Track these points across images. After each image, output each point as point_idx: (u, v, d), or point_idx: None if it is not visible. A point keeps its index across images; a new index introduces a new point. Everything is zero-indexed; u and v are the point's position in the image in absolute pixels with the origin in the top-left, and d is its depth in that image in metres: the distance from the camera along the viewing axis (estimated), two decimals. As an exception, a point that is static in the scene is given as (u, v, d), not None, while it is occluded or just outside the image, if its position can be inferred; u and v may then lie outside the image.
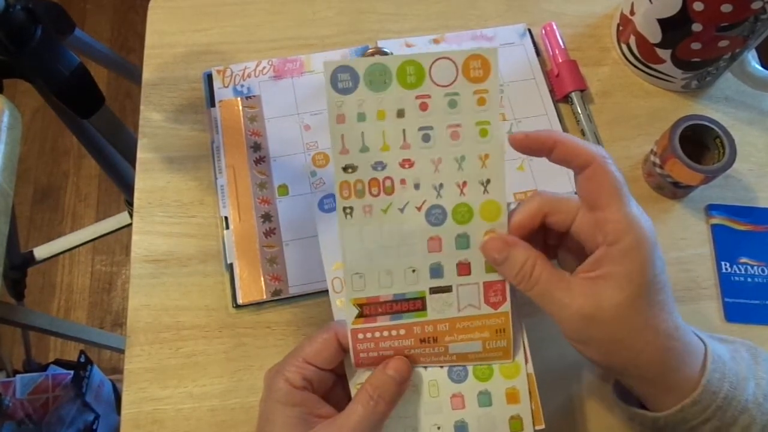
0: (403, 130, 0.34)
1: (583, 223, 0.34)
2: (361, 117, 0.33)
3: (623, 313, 0.31)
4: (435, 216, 0.34)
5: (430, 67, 0.34)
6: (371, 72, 0.33)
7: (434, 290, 0.35)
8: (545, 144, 0.33)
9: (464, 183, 0.34)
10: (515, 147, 0.34)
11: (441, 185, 0.34)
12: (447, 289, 0.35)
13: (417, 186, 0.34)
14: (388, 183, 0.34)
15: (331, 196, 0.38)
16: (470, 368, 0.35)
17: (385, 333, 0.34)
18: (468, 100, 0.34)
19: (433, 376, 0.35)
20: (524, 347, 0.36)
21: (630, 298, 0.31)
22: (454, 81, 0.34)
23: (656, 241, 0.32)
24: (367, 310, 0.34)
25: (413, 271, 0.34)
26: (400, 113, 0.34)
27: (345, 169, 0.34)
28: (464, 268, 0.35)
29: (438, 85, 0.34)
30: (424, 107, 0.34)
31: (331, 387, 0.35)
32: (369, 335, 0.34)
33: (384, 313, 0.34)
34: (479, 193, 0.34)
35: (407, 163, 0.34)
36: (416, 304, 0.35)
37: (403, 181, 0.34)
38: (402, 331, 0.34)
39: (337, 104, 0.33)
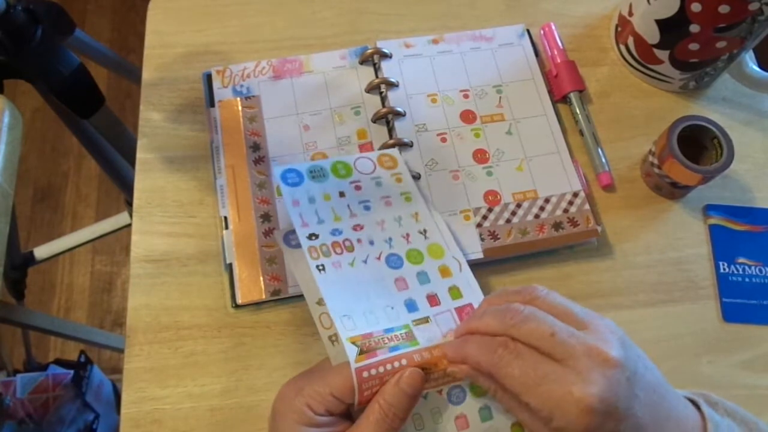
0: (348, 205, 0.43)
1: None
2: (312, 200, 0.42)
3: None
4: (393, 261, 0.41)
5: (354, 163, 0.45)
6: (311, 170, 0.43)
7: (416, 322, 0.38)
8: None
9: (407, 234, 0.43)
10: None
11: (390, 239, 0.42)
12: (426, 320, 0.38)
13: (372, 242, 0.42)
14: (347, 243, 0.41)
15: (294, 231, 0.41)
16: (467, 388, 0.37)
17: (389, 366, 0.35)
18: (388, 181, 0.45)
19: (434, 404, 0.36)
20: None
21: None
22: (374, 170, 0.45)
23: (600, 413, 0.29)
24: (364, 346, 0.35)
25: (392, 308, 0.38)
26: (342, 194, 0.43)
27: (309, 237, 0.40)
28: (433, 300, 0.40)
29: (363, 174, 0.45)
30: (358, 188, 0.44)
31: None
32: (374, 371, 0.34)
33: (382, 346, 0.35)
34: (422, 240, 0.43)
35: (358, 228, 0.42)
36: (406, 336, 0.37)
37: (359, 241, 0.41)
38: (404, 361, 0.35)
39: (291, 193, 0.42)
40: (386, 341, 0.36)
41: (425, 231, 0.43)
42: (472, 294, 0.41)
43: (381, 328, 0.36)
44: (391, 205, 0.44)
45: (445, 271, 0.41)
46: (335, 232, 0.41)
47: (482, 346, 0.33)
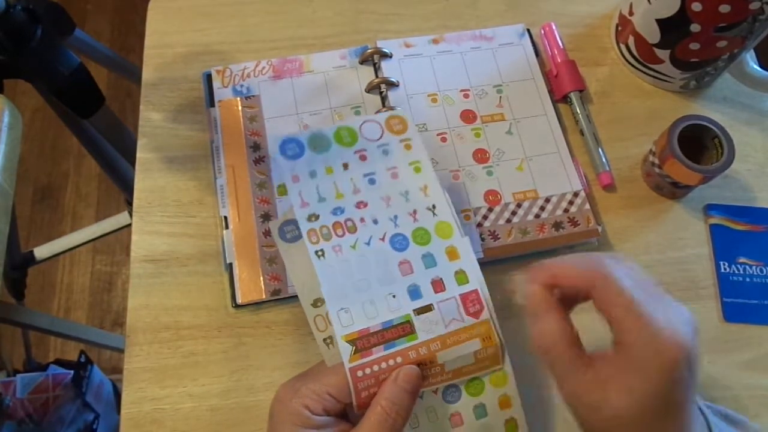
0: (351, 179, 0.40)
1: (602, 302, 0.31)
2: (313, 174, 0.39)
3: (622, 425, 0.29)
4: (398, 242, 0.39)
5: (360, 128, 0.41)
6: (313, 139, 0.40)
7: (418, 311, 0.37)
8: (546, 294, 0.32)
9: (414, 211, 0.40)
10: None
11: (396, 216, 0.39)
12: (429, 308, 0.37)
13: (375, 221, 0.39)
14: (350, 224, 0.38)
15: (292, 222, 0.39)
16: (462, 388, 0.37)
17: (383, 364, 0.35)
18: (397, 148, 0.41)
19: (429, 403, 0.36)
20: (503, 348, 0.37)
21: (632, 410, 0.28)
22: (382, 136, 0.41)
23: (687, 357, 0.28)
24: (360, 344, 0.35)
25: (394, 296, 0.37)
26: (345, 166, 0.40)
27: (308, 218, 0.38)
28: (438, 285, 0.38)
29: (370, 140, 0.41)
30: (363, 158, 0.41)
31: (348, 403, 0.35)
32: (368, 371, 0.34)
33: (377, 344, 0.35)
34: (430, 217, 0.40)
35: (362, 205, 0.39)
36: (405, 328, 0.36)
37: (362, 220, 0.39)
38: (399, 359, 0.35)
39: (290, 168, 0.39)
40: (383, 337, 0.35)
41: (434, 207, 0.40)
42: (478, 282, 0.39)
43: (380, 321, 0.36)
44: (398, 178, 0.40)
45: (452, 253, 0.39)
46: (337, 211, 0.39)
47: (585, 261, 0.31)
